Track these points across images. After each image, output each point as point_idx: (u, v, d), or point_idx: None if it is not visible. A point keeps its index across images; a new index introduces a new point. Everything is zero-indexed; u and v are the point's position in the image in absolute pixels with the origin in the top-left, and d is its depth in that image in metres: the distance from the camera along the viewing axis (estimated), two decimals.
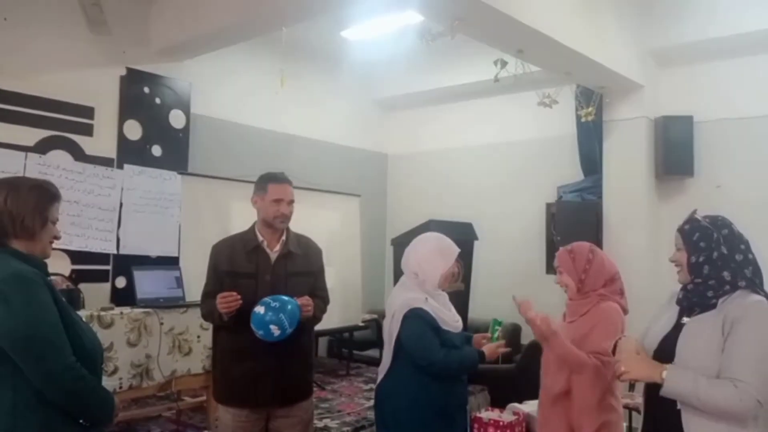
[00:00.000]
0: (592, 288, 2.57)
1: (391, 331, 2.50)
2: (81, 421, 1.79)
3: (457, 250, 2.60)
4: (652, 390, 1.94)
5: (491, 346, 2.57)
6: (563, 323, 2.63)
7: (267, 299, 2.48)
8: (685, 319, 1.97)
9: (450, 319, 2.55)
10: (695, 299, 1.96)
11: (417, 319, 2.44)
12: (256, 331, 2.45)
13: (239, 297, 2.51)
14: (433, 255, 2.54)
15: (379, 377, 2.60)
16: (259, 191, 2.71)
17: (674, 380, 1.82)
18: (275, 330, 2.43)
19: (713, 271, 1.92)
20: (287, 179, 2.75)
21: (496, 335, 2.61)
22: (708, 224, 1.98)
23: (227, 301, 2.50)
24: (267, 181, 2.72)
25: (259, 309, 2.46)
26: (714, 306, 1.90)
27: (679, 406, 1.87)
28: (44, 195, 1.86)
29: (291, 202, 2.71)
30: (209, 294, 2.65)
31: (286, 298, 2.50)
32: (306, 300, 2.57)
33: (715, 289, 1.91)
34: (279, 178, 2.73)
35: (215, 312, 2.56)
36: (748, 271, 1.92)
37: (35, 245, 1.83)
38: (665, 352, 1.94)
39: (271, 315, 2.43)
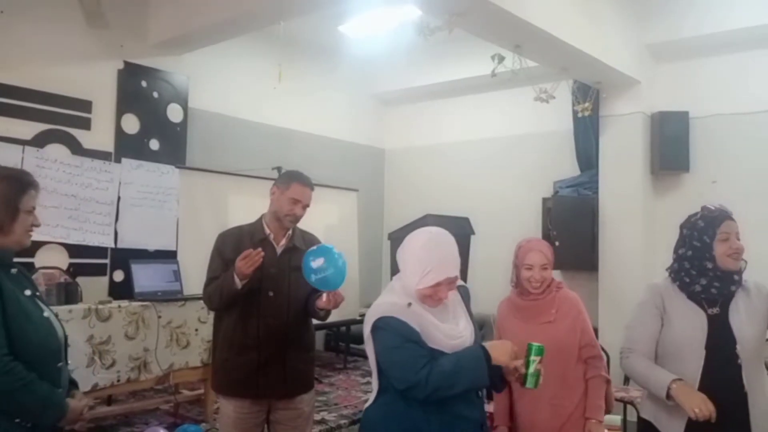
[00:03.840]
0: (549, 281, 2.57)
1: (366, 345, 1.93)
2: (17, 420, 1.69)
3: (446, 270, 1.84)
4: (713, 380, 2.04)
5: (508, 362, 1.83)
6: (524, 326, 2.48)
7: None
8: (712, 311, 2.10)
9: (443, 335, 1.84)
10: (735, 288, 2.12)
11: (387, 331, 1.82)
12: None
13: (262, 252, 2.48)
14: (410, 262, 1.89)
15: (369, 401, 1.98)
16: (282, 185, 2.71)
17: None
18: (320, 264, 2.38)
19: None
20: (311, 184, 2.74)
21: (531, 368, 1.84)
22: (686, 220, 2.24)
23: (251, 258, 2.46)
24: (292, 179, 2.71)
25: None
26: (734, 293, 2.11)
27: (745, 389, 2.02)
28: (13, 186, 1.81)
29: (306, 206, 2.72)
30: (214, 280, 2.64)
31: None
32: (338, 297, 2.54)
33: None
34: (304, 180, 2.73)
35: (226, 284, 2.53)
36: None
37: (7, 238, 1.78)
38: (718, 341, 2.06)
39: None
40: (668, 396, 1.99)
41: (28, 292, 1.81)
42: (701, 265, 2.09)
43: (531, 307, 2.52)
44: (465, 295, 2.02)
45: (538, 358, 1.83)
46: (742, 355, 2.03)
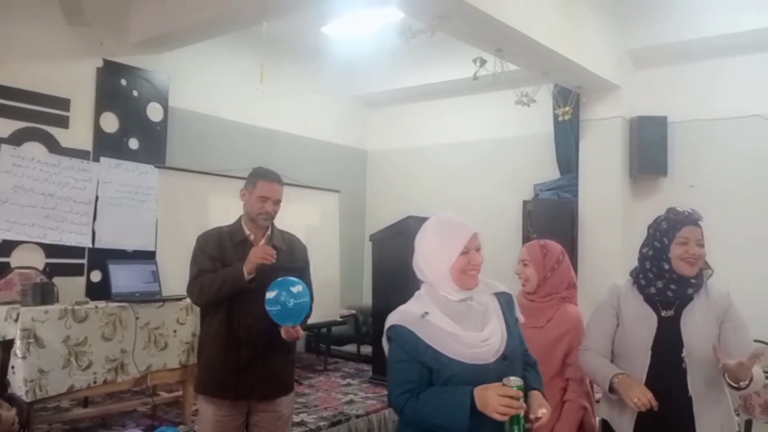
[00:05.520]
0: (554, 290, 2.54)
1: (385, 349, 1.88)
2: None
3: (466, 227, 1.83)
4: (657, 382, 2.04)
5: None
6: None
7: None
8: (665, 313, 2.11)
9: (462, 345, 1.72)
10: (692, 291, 2.12)
11: (394, 342, 1.79)
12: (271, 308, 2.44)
13: (274, 252, 2.55)
14: (432, 245, 1.84)
15: None
16: (249, 185, 2.71)
17: (757, 377, 1.99)
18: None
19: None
20: (277, 179, 2.74)
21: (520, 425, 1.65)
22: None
23: (267, 251, 2.53)
24: (257, 177, 2.71)
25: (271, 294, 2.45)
26: (692, 297, 2.11)
27: (690, 394, 2.04)
28: None
29: (277, 201, 2.70)
30: (204, 272, 2.62)
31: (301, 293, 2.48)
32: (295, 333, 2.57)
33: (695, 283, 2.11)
34: (269, 176, 2.72)
35: (231, 275, 2.54)
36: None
37: None
38: (666, 343, 2.08)
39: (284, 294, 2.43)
40: (611, 389, 2.05)
41: None
42: (659, 266, 2.11)
43: (527, 307, 2.46)
44: (506, 303, 1.90)
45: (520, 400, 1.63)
46: (687, 359, 2.04)
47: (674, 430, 2.04)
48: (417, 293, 1.88)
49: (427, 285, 1.84)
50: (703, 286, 2.13)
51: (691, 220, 2.11)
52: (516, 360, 1.80)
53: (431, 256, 1.82)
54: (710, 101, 5.24)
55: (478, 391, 1.63)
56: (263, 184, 2.68)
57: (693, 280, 2.10)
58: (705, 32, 4.96)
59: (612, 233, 5.26)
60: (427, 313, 1.76)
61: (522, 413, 1.62)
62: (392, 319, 1.81)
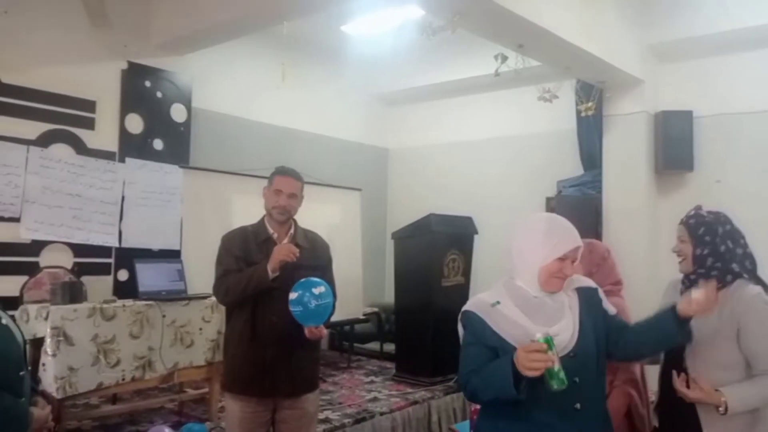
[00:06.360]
0: (599, 284, 2.55)
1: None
2: None
3: (574, 236, 1.84)
4: (667, 385, 2.05)
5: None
6: None
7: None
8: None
9: (530, 336, 1.70)
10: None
11: (465, 328, 1.86)
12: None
13: (296, 250, 2.58)
14: (533, 240, 1.84)
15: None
16: (268, 183, 2.76)
17: (738, 400, 1.92)
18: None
19: (717, 263, 2.05)
20: (292, 173, 2.77)
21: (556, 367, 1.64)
22: (712, 220, 2.11)
23: (290, 249, 2.56)
24: (274, 174, 2.77)
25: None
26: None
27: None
28: None
29: (291, 195, 2.72)
30: (229, 272, 2.66)
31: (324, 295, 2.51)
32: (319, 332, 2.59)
33: (718, 279, 1.97)
34: (283, 170, 2.77)
35: (256, 274, 2.57)
36: (748, 263, 2.07)
37: None
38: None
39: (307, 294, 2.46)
40: None
41: None
42: None
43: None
44: (587, 298, 1.89)
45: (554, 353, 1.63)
46: (689, 361, 2.08)
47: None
48: (495, 284, 1.93)
49: (506, 277, 1.89)
50: (729, 286, 2.04)
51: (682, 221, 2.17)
52: (588, 358, 1.79)
53: (527, 249, 1.84)
54: (737, 95, 5.15)
55: (516, 356, 1.63)
56: (277, 178, 2.73)
57: (692, 276, 2.09)
58: (730, 25, 4.87)
59: (637, 229, 5.20)
60: (498, 302, 1.82)
61: (555, 366, 1.60)
62: (467, 305, 1.89)
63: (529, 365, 1.58)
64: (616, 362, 2.31)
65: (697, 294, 1.74)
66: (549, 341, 1.61)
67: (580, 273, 2.53)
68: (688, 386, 1.95)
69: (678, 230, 2.17)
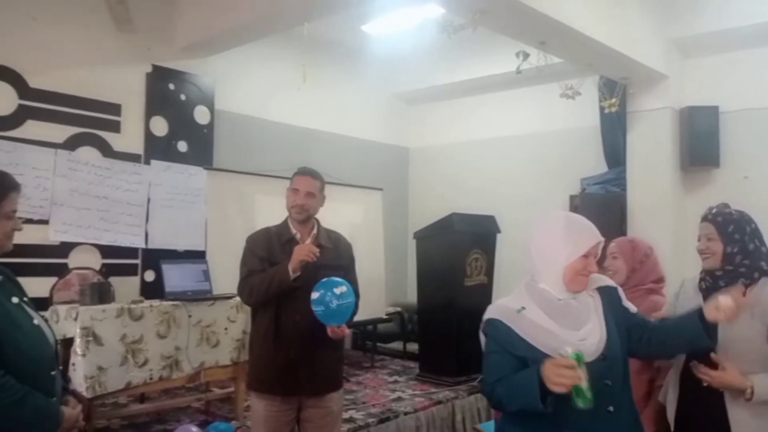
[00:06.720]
0: (641, 282, 2.61)
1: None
2: None
3: (594, 232, 1.82)
4: (688, 379, 2.05)
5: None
6: None
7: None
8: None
9: (559, 341, 1.67)
10: (724, 285, 2.00)
11: (488, 336, 1.80)
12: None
13: (317, 250, 2.60)
14: (555, 239, 1.79)
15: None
16: (289, 183, 2.79)
17: (765, 386, 1.92)
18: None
19: (746, 260, 2.05)
20: (310, 172, 2.79)
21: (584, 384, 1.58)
22: (739, 218, 2.11)
23: (310, 249, 2.58)
24: (294, 173, 2.80)
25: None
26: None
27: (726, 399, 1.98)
28: None
29: (309, 194, 2.73)
30: (253, 273, 2.69)
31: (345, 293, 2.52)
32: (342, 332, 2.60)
33: (745, 276, 2.01)
34: (301, 170, 2.80)
35: (278, 275, 2.60)
36: None
37: None
38: None
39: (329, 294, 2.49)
40: None
41: (15, 300, 1.73)
42: None
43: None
44: (609, 297, 1.86)
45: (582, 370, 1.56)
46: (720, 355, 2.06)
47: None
48: (516, 288, 1.86)
49: (527, 279, 1.84)
50: (756, 284, 2.02)
51: (705, 215, 2.14)
52: (616, 360, 1.76)
53: (549, 249, 1.80)
54: (764, 89, 5.06)
55: (543, 369, 1.56)
56: (296, 178, 2.77)
57: (719, 272, 2.07)
58: (755, 19, 4.78)
59: (663, 227, 5.13)
60: (523, 308, 1.76)
61: (582, 383, 1.54)
62: (488, 312, 1.82)
63: (556, 380, 1.52)
64: (643, 360, 2.32)
65: (726, 300, 1.72)
66: (579, 358, 1.55)
67: (624, 270, 2.60)
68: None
69: (703, 227, 2.14)
